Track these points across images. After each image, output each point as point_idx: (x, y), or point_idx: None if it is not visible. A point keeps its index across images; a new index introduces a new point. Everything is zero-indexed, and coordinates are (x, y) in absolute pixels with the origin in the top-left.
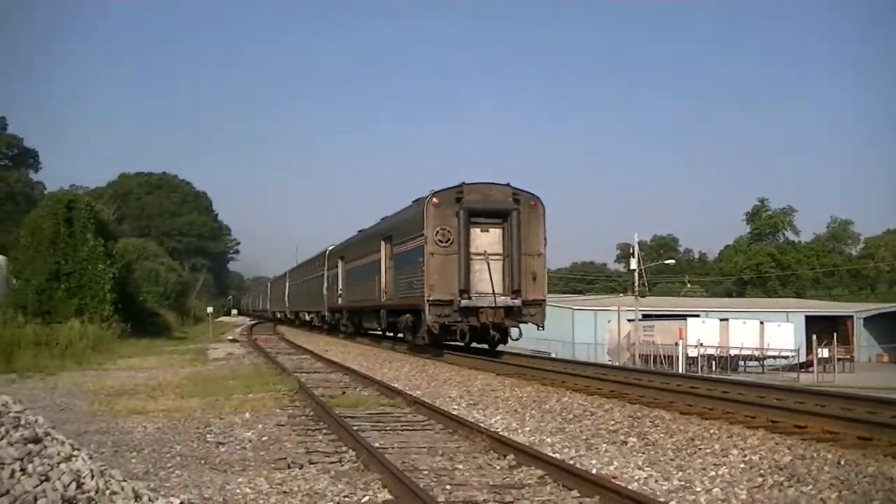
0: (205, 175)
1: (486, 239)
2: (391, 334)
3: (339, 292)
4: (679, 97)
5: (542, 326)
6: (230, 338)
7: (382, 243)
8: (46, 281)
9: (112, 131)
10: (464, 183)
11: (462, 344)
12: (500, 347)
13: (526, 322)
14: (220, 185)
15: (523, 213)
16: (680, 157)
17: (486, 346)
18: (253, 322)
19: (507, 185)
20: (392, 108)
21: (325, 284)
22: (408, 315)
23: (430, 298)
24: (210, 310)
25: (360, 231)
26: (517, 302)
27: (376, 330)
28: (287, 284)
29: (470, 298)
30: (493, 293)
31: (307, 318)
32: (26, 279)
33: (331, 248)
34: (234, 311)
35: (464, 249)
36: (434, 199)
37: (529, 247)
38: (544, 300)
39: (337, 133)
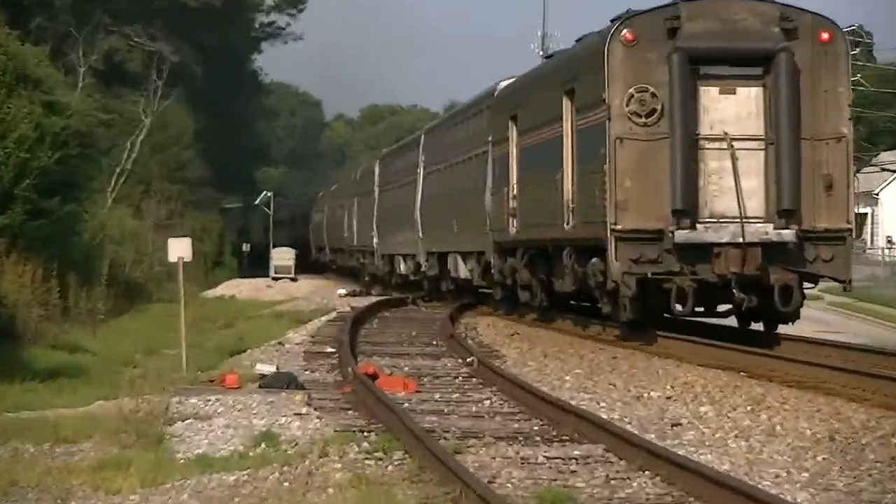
0: None
1: (731, 108)
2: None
3: (511, 208)
4: None
5: (849, 283)
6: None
7: (565, 101)
8: None
9: None
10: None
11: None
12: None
13: (813, 274)
14: None
15: (805, 55)
16: None
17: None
18: (349, 295)
19: (772, 1)
20: None
21: (490, 183)
22: (594, 260)
23: (618, 227)
24: (179, 254)
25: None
26: (787, 234)
27: (569, 297)
28: (376, 190)
29: (694, 227)
30: (742, 217)
31: (430, 272)
32: None
33: (502, 84)
34: (277, 258)
35: (683, 130)
36: (625, 33)
37: (818, 123)
38: (850, 230)
39: None
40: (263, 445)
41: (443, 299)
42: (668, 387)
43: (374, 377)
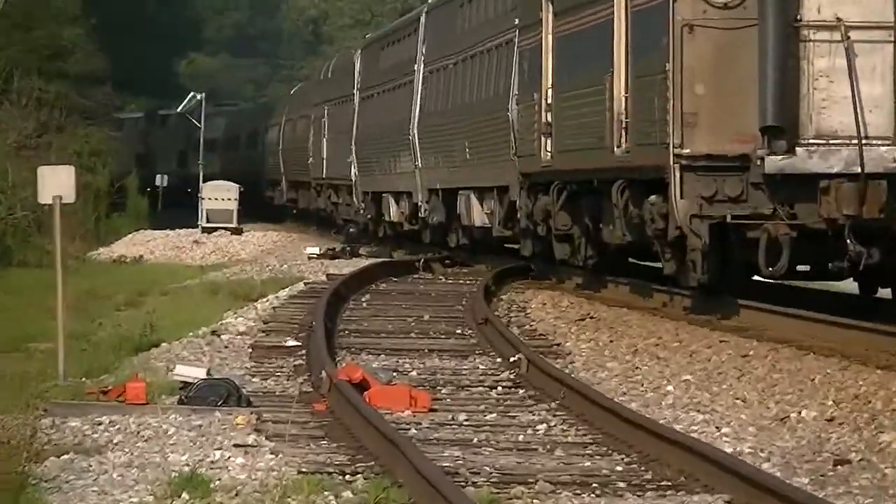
0: None
1: None
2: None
3: (545, 123)
4: None
5: None
6: None
7: (542, 3)
8: None
9: None
10: None
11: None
12: None
13: None
14: None
15: None
16: None
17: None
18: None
19: None
20: None
21: (516, 89)
22: (653, 198)
23: (685, 152)
24: (56, 192)
25: None
26: None
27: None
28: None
29: (794, 152)
30: (861, 136)
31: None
32: None
33: None
34: (211, 198)
35: (778, 14)
36: None
37: None
38: None
39: None
40: (185, 497)
41: (455, 263)
42: (830, 401)
43: (362, 387)
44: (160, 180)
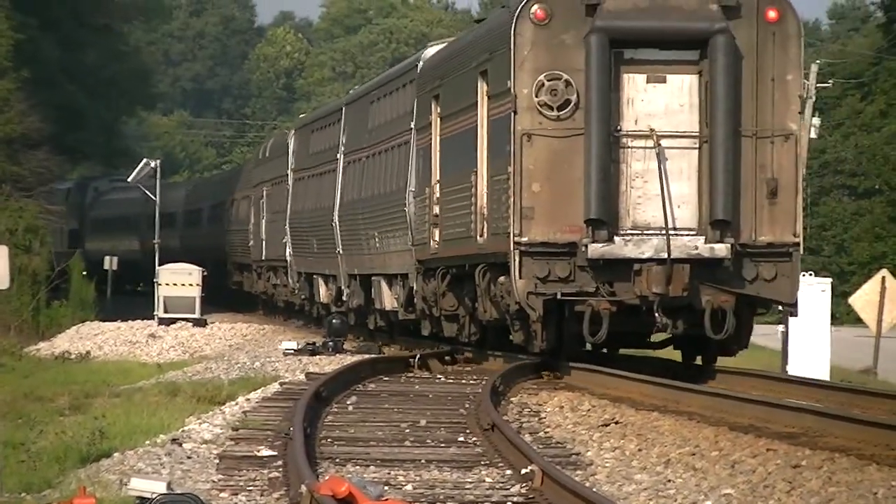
0: None
1: (660, 100)
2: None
3: (433, 215)
4: None
5: (795, 309)
6: None
7: (480, 84)
8: None
9: None
10: None
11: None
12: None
13: (749, 296)
14: None
15: (748, 38)
16: None
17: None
18: None
19: None
20: None
21: (413, 183)
22: (501, 279)
23: (523, 240)
24: None
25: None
26: (720, 249)
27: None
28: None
29: (612, 240)
30: (669, 228)
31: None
32: None
33: (429, 51)
34: (169, 284)
35: (601, 126)
36: (536, 10)
37: (763, 118)
38: (797, 245)
39: None
40: None
41: (455, 361)
42: None
43: (348, 502)
44: (109, 263)
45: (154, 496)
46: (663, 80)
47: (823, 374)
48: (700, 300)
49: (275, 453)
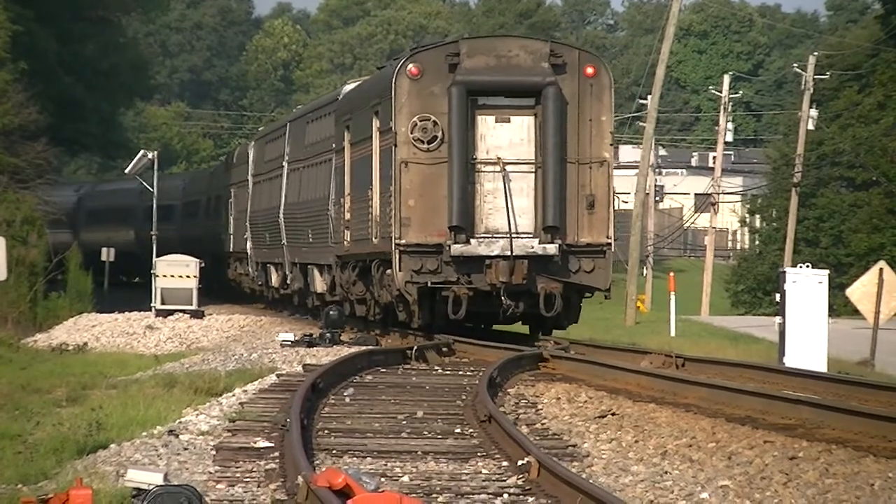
0: None
1: (505, 136)
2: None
3: (346, 220)
4: None
5: (608, 292)
6: None
7: (374, 121)
8: None
9: None
10: (462, 37)
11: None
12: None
13: (574, 284)
14: None
15: (571, 88)
16: None
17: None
18: None
19: (543, 39)
20: None
21: (333, 193)
22: (388, 271)
23: (402, 242)
24: None
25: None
26: (550, 248)
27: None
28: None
29: (469, 242)
30: (512, 232)
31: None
32: None
33: (347, 87)
34: (166, 275)
35: (460, 155)
36: (410, 67)
37: (583, 149)
38: (609, 244)
39: None
40: None
41: (453, 352)
42: None
43: (345, 494)
44: (106, 254)
45: (151, 488)
46: (508, 121)
47: (820, 366)
48: (536, 287)
49: (272, 445)
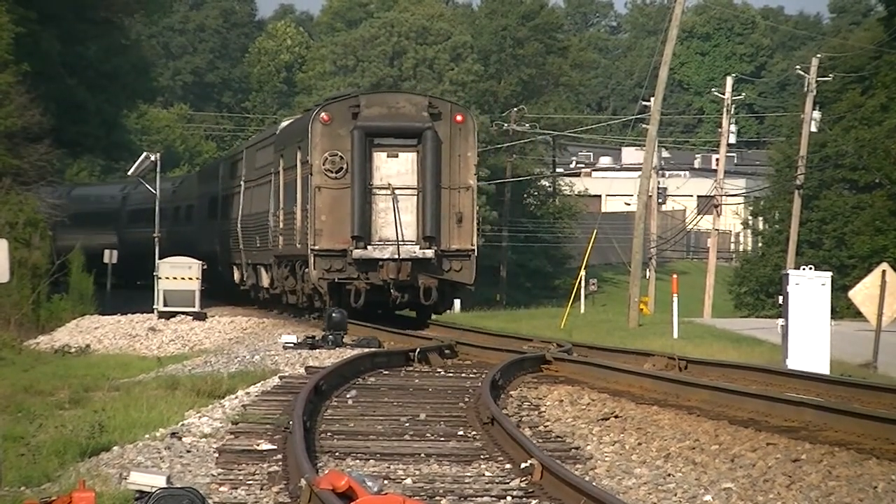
0: None
1: (394, 167)
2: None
3: (280, 229)
4: None
5: (472, 286)
6: None
7: (299, 154)
8: None
9: None
10: (360, 92)
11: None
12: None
13: (447, 280)
14: None
15: (445, 131)
16: None
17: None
18: None
19: (423, 94)
20: None
21: (272, 206)
22: (306, 270)
23: (316, 247)
24: None
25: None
26: (428, 252)
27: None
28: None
29: (367, 248)
30: (399, 240)
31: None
32: None
33: (283, 123)
34: (168, 277)
35: (359, 182)
36: (322, 115)
37: (453, 178)
38: (473, 250)
39: None
40: None
41: (456, 354)
42: None
43: (348, 496)
44: (108, 256)
45: (154, 490)
46: (397, 156)
47: (823, 369)
48: (418, 282)
49: (274, 447)
